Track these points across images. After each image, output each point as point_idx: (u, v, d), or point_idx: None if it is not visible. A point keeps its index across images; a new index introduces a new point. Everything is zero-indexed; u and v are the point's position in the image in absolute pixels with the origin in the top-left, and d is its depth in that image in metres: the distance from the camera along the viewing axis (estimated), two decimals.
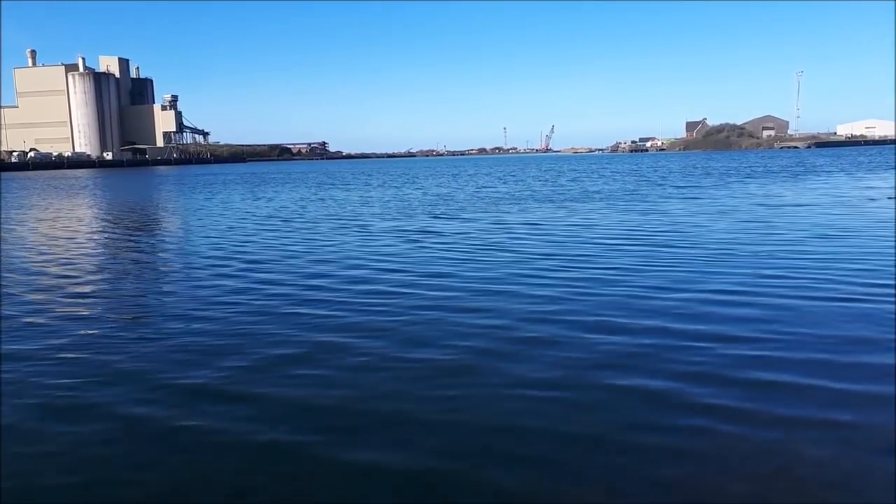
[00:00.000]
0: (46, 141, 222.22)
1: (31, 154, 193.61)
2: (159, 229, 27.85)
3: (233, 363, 8.81)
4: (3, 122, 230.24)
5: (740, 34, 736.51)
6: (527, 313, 10.99)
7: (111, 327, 10.92)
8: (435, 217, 28.66)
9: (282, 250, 19.65)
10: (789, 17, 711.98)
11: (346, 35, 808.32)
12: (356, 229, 24.84)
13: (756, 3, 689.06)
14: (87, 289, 14.45)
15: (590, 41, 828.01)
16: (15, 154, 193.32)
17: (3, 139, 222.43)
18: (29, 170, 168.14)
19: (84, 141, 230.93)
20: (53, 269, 17.09)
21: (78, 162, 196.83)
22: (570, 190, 45.71)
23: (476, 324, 10.44)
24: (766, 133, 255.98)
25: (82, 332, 10.66)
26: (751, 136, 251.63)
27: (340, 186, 60.60)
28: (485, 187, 52.30)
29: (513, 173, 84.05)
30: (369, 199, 41.54)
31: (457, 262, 16.46)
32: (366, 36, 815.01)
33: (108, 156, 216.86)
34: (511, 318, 10.67)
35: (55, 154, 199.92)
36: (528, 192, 44.09)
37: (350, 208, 35.11)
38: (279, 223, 28.08)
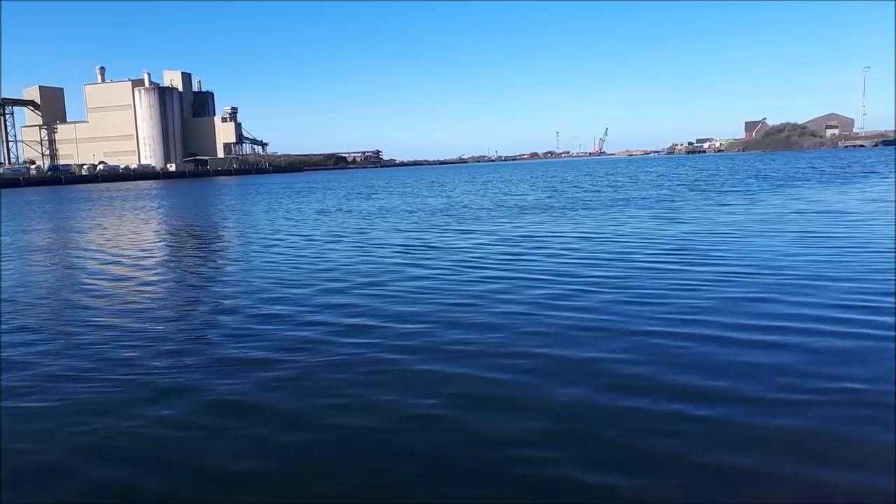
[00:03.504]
0: (114, 154, 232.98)
1: (100, 167, 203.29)
2: (160, 241, 28.58)
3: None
4: (75, 137, 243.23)
5: (802, 30, 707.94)
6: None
7: None
8: (438, 228, 28.37)
9: (233, 262, 20.29)
10: (853, 11, 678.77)
11: (400, 44, 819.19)
12: (336, 241, 24.98)
13: None
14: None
15: (644, 42, 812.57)
16: (85, 167, 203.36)
17: (75, 153, 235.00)
18: (98, 182, 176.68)
19: (149, 153, 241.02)
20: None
21: (143, 173, 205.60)
22: (601, 196, 44.62)
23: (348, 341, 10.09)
24: (829, 132, 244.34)
25: None
26: (813, 135, 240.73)
27: (371, 196, 61.03)
28: (512, 195, 51.66)
29: (551, 179, 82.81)
30: (384, 210, 41.57)
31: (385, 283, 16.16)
32: (418, 44, 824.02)
33: (172, 167, 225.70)
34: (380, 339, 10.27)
35: (122, 166, 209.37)
36: (563, 200, 43.25)
37: (353, 222, 34.83)
38: (284, 236, 28.57)
